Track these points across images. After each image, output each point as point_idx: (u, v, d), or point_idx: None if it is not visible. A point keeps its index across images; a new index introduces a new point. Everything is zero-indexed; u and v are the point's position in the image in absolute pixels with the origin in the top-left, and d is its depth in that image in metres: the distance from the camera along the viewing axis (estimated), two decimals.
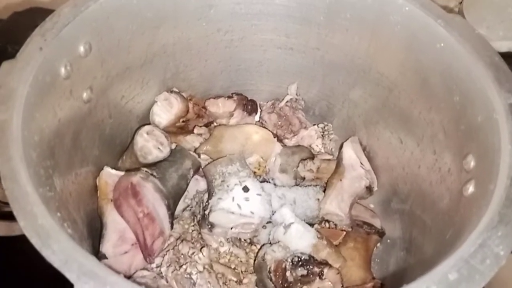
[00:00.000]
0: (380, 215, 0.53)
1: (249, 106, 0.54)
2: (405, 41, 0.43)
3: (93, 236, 0.43)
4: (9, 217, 0.59)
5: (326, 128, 0.56)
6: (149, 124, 0.50)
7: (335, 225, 0.50)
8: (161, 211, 0.44)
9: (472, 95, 0.37)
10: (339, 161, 0.52)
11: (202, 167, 0.48)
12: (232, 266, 0.45)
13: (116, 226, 0.43)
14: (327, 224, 0.51)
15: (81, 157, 0.43)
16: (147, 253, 0.42)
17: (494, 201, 0.28)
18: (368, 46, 0.47)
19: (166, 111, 0.51)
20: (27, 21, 0.35)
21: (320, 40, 0.50)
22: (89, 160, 0.45)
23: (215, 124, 0.54)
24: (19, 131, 0.30)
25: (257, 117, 0.56)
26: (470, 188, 0.34)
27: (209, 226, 0.44)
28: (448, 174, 0.39)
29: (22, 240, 0.58)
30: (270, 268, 0.42)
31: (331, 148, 0.56)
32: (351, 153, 0.53)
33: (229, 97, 0.54)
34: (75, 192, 0.41)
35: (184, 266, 0.42)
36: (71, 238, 0.25)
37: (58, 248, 0.25)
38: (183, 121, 0.52)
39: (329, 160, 0.54)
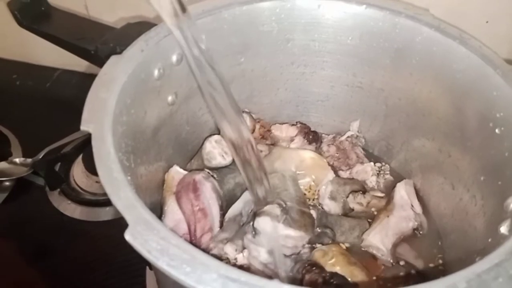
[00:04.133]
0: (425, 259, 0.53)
1: (310, 135, 0.58)
2: (465, 88, 0.45)
3: None
4: (90, 203, 0.68)
5: (382, 167, 0.58)
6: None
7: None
8: (214, 210, 0.48)
9: None
10: (389, 199, 0.54)
11: None
12: (269, 274, 0.48)
13: (173, 216, 0.49)
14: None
15: (157, 152, 0.49)
16: (194, 244, 0.47)
17: None
18: (429, 91, 0.49)
19: None
20: (136, 31, 0.43)
21: (384, 82, 0.53)
22: (163, 156, 0.51)
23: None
24: (112, 108, 0.37)
25: (316, 146, 0.60)
26: (505, 227, 0.35)
27: (253, 232, 0.48)
28: (491, 217, 0.40)
29: (101, 225, 0.66)
30: (303, 279, 0.45)
31: (385, 188, 0.58)
32: (403, 194, 0.54)
33: (293, 124, 0.59)
34: (145, 182, 0.47)
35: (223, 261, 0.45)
36: (135, 192, 0.31)
37: (124, 196, 0.30)
38: None
39: (381, 197, 0.55)
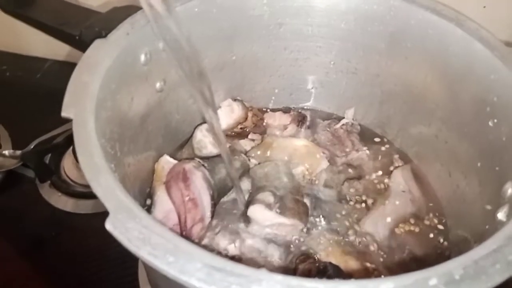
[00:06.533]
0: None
1: (304, 123, 0.57)
2: (462, 71, 0.44)
3: None
4: (81, 196, 0.67)
5: (379, 152, 0.57)
6: None
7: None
8: (205, 200, 0.47)
9: None
10: (386, 186, 0.53)
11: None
12: (262, 264, 0.47)
13: (163, 206, 0.47)
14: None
15: (145, 140, 0.48)
16: (185, 235, 0.46)
17: None
18: (425, 76, 0.48)
19: (227, 116, 0.55)
20: (123, 15, 0.42)
21: (380, 67, 0.52)
22: (152, 145, 0.50)
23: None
24: (96, 93, 0.35)
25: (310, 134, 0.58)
26: (503, 213, 0.34)
27: (246, 221, 0.47)
28: (488, 204, 0.39)
29: (93, 217, 0.64)
30: (297, 269, 0.44)
31: (382, 173, 0.56)
32: (400, 180, 0.53)
33: (286, 112, 0.57)
34: (134, 171, 0.46)
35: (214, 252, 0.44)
36: (117, 179, 0.30)
37: (104, 183, 0.29)
38: (240, 128, 0.56)
39: (377, 182, 0.54)
